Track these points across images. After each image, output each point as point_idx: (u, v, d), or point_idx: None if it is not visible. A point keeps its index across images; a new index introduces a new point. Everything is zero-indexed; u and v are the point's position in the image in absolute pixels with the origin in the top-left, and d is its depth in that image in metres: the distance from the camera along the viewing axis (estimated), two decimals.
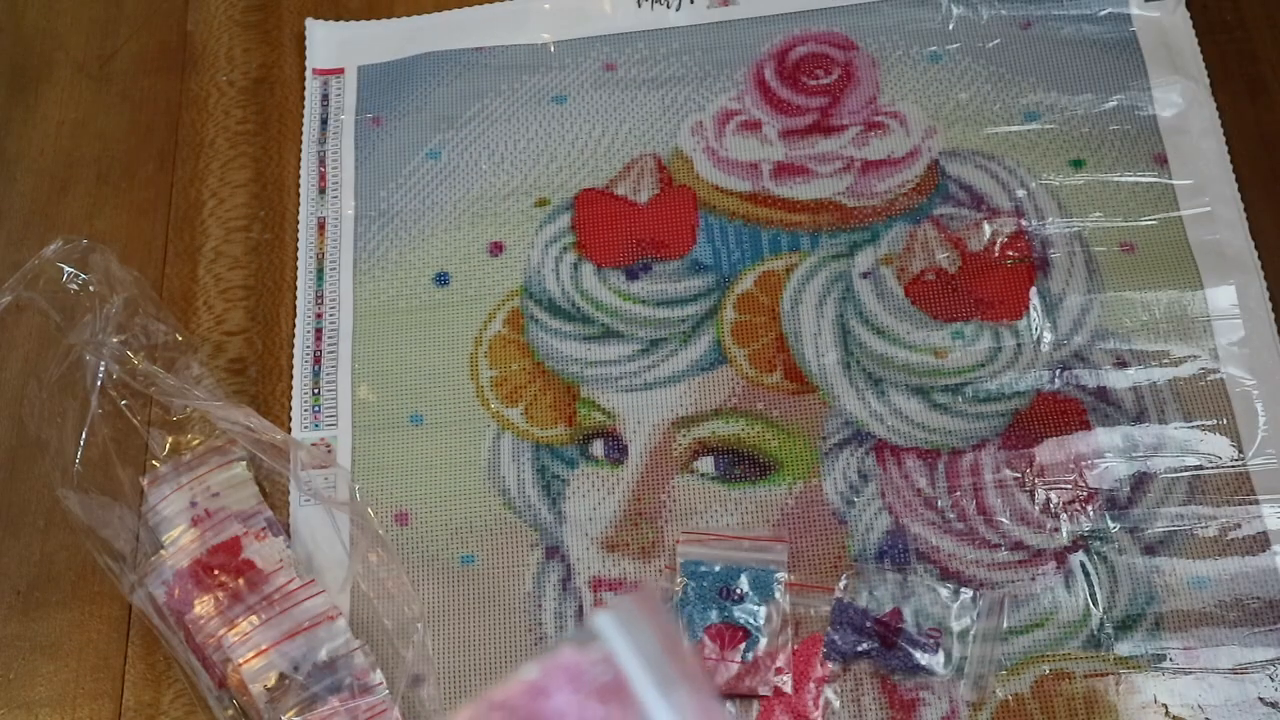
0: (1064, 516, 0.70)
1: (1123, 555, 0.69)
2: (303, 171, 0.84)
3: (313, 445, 0.75)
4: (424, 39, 0.87)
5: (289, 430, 0.76)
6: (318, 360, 0.78)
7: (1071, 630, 0.68)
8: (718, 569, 0.69)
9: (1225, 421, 0.72)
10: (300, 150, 0.85)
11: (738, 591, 0.68)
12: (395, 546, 0.72)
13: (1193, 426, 0.72)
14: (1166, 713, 0.66)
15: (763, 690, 0.67)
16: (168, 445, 0.75)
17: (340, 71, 0.87)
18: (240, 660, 0.68)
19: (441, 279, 0.80)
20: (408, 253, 0.81)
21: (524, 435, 0.75)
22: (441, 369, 0.77)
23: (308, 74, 0.87)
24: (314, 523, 0.74)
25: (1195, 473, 0.71)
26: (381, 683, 0.68)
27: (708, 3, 0.87)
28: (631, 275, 0.79)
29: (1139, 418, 0.72)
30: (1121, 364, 0.74)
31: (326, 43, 0.88)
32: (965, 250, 0.77)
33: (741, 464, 0.73)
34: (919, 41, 0.84)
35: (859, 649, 0.68)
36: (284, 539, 0.72)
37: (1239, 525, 0.69)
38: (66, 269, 0.77)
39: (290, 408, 0.77)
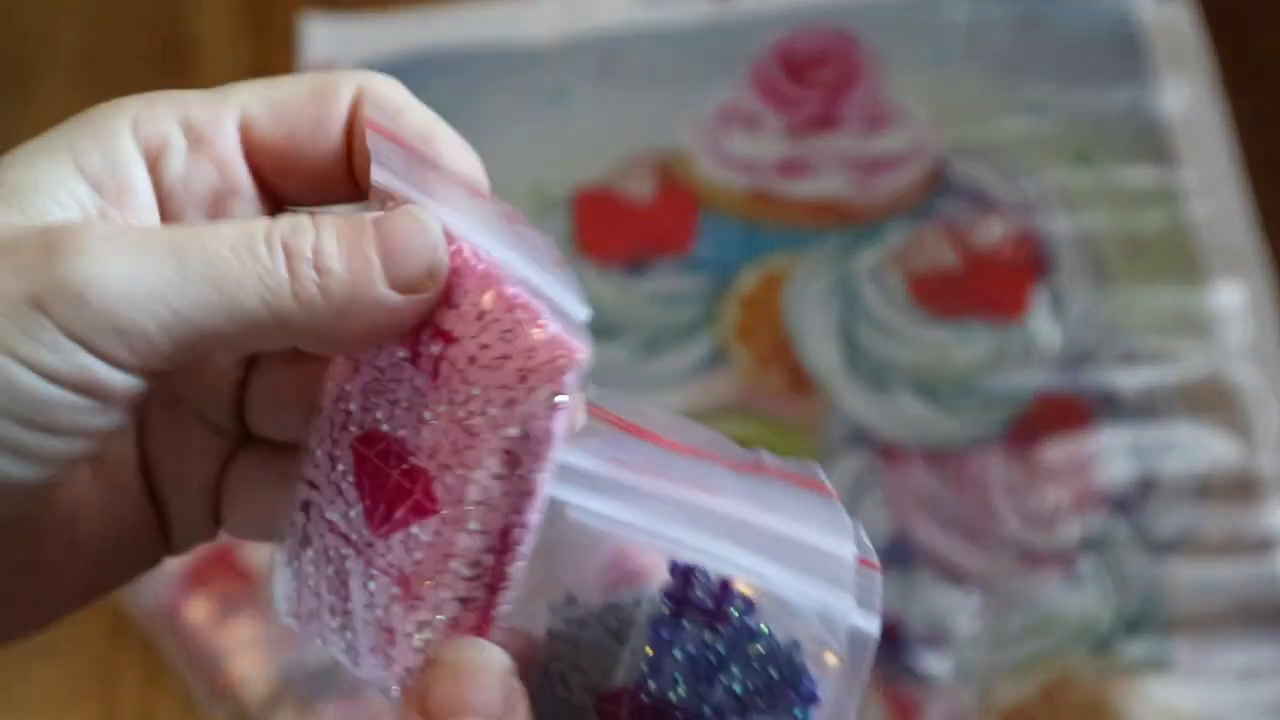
0: (1071, 518, 0.70)
1: (1131, 557, 0.69)
2: None
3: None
4: (423, 35, 0.87)
5: None
6: None
7: (1079, 633, 0.67)
8: None
9: (1234, 421, 0.71)
10: None
11: None
12: None
13: (1201, 426, 0.71)
14: (1175, 717, 0.66)
15: None
16: None
17: (338, 66, 0.87)
18: (234, 663, 0.68)
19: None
20: None
21: None
22: None
23: (304, 69, 0.87)
24: None
25: (1204, 473, 0.70)
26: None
27: None
28: (632, 274, 0.78)
29: (1146, 417, 0.72)
30: (1129, 363, 0.73)
31: (324, 38, 0.88)
32: (970, 248, 0.77)
33: None
34: (923, 38, 0.83)
35: None
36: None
37: (1249, 527, 0.69)
38: None
39: None
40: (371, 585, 0.32)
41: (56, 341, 0.28)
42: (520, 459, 0.30)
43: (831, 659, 0.31)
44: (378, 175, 0.32)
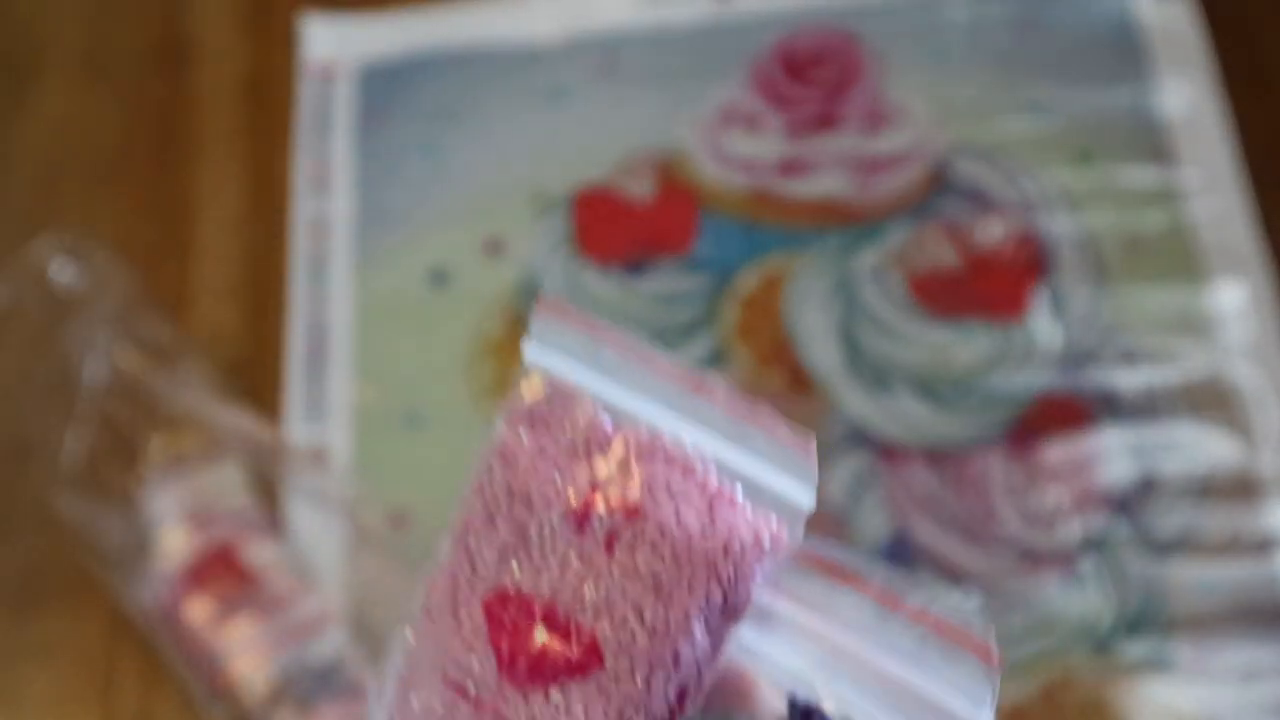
0: (1071, 518, 0.70)
1: (1131, 557, 0.69)
2: (299, 169, 0.84)
3: (308, 446, 0.75)
4: (423, 34, 0.87)
5: (284, 431, 0.76)
6: (314, 361, 0.78)
7: (1079, 633, 0.67)
8: None
9: (1235, 421, 0.71)
10: (296, 147, 0.84)
11: None
12: (392, 548, 0.72)
13: (1203, 427, 0.71)
14: (1176, 717, 0.66)
15: None
16: (160, 446, 0.75)
17: (338, 66, 0.87)
18: (234, 664, 0.68)
19: (439, 278, 0.79)
20: (405, 251, 0.80)
21: None
22: (439, 369, 0.77)
23: (304, 69, 0.87)
24: (309, 525, 0.73)
25: (1206, 474, 0.70)
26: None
27: None
28: (632, 274, 0.78)
29: (1148, 417, 0.72)
30: (1130, 363, 0.73)
31: (324, 37, 0.87)
32: (971, 247, 0.77)
33: None
34: (923, 38, 0.83)
35: None
36: (278, 541, 0.72)
37: (1249, 527, 0.69)
38: (56, 267, 0.77)
39: (286, 408, 0.77)
40: None
41: None
42: (710, 625, 0.31)
43: None
44: (532, 352, 0.33)
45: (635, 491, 0.32)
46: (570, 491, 0.32)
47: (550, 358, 0.33)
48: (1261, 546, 0.68)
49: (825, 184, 0.80)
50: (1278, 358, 0.73)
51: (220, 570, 0.70)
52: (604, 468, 0.32)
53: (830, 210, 0.79)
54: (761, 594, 0.31)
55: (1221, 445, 0.71)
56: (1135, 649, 0.67)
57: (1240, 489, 0.70)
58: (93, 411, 0.74)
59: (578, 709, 0.32)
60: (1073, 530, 0.69)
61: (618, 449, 0.32)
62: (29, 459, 0.75)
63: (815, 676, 0.31)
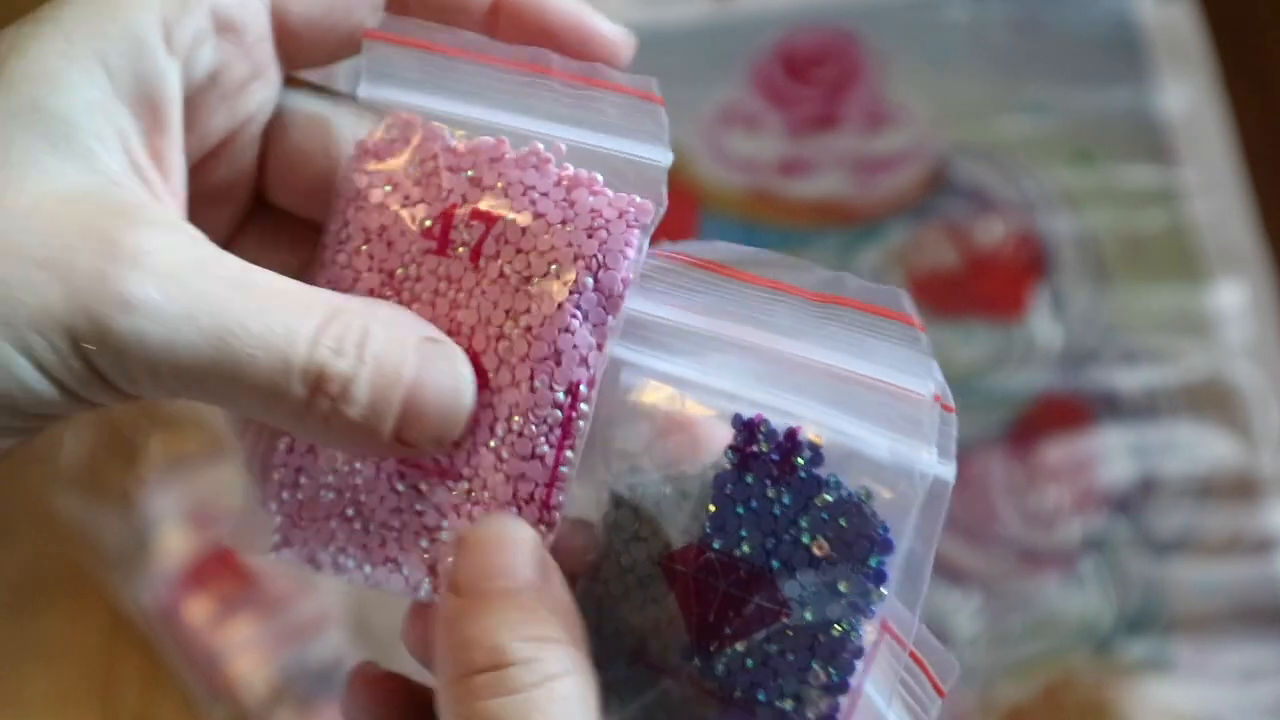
0: (1071, 518, 0.70)
1: (1131, 557, 0.69)
2: None
3: None
4: None
5: None
6: None
7: (1080, 633, 0.67)
8: None
9: (1234, 421, 0.71)
10: None
11: None
12: None
13: (1203, 426, 0.71)
14: (1176, 717, 0.66)
15: None
16: (160, 447, 0.75)
17: (336, 67, 0.86)
18: (234, 664, 0.68)
19: None
20: None
21: None
22: None
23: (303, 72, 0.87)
24: None
25: (1204, 473, 0.70)
26: None
27: None
28: None
29: (1148, 417, 0.72)
30: (1130, 363, 0.73)
31: None
32: (970, 248, 0.77)
33: None
34: (923, 38, 0.83)
35: None
36: None
37: (1249, 527, 0.69)
38: None
39: None
40: (400, 485, 0.32)
41: (76, 374, 0.28)
42: (588, 313, 0.31)
43: (905, 506, 0.30)
44: (365, 91, 0.33)
45: (489, 199, 0.32)
46: (424, 216, 0.32)
47: (385, 89, 0.33)
48: (1261, 546, 0.68)
49: (825, 184, 0.79)
50: (1278, 358, 0.73)
51: (220, 570, 0.70)
52: (454, 183, 0.32)
53: (830, 210, 0.79)
54: (634, 271, 0.31)
55: (1221, 445, 0.71)
56: (1135, 648, 0.67)
57: (1240, 489, 0.70)
58: (94, 411, 0.74)
59: (469, 431, 0.31)
60: (1072, 530, 0.69)
61: (465, 163, 0.32)
62: (29, 459, 0.75)
63: (753, 393, 0.31)
